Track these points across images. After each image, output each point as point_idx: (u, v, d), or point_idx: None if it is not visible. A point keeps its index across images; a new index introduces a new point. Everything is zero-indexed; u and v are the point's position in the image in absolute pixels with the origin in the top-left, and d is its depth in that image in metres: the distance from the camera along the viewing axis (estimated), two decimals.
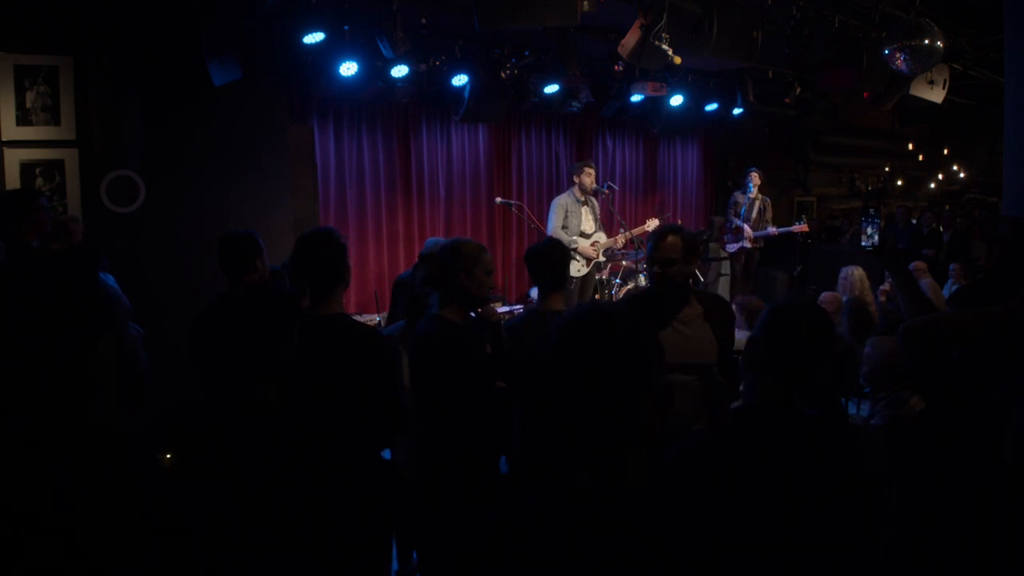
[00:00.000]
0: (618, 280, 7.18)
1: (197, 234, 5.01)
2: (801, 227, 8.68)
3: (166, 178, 5.12)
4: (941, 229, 9.77)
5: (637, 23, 4.44)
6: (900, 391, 3.28)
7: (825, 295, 5.35)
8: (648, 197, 9.83)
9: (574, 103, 7.40)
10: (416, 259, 3.74)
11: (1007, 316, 2.35)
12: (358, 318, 4.00)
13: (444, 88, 6.42)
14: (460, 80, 6.31)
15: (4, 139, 4.60)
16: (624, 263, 7.28)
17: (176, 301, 4.71)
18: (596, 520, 1.21)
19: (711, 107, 8.27)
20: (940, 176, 14.47)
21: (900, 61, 4.83)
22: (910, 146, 13.83)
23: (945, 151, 14.30)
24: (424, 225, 7.58)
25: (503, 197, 7.52)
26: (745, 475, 1.50)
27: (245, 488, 1.70)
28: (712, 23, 4.51)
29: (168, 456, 1.83)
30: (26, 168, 4.66)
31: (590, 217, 6.88)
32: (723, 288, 9.51)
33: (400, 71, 5.86)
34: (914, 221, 10.29)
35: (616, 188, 7.86)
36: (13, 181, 4.60)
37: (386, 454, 2.97)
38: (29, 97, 4.65)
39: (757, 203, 8.65)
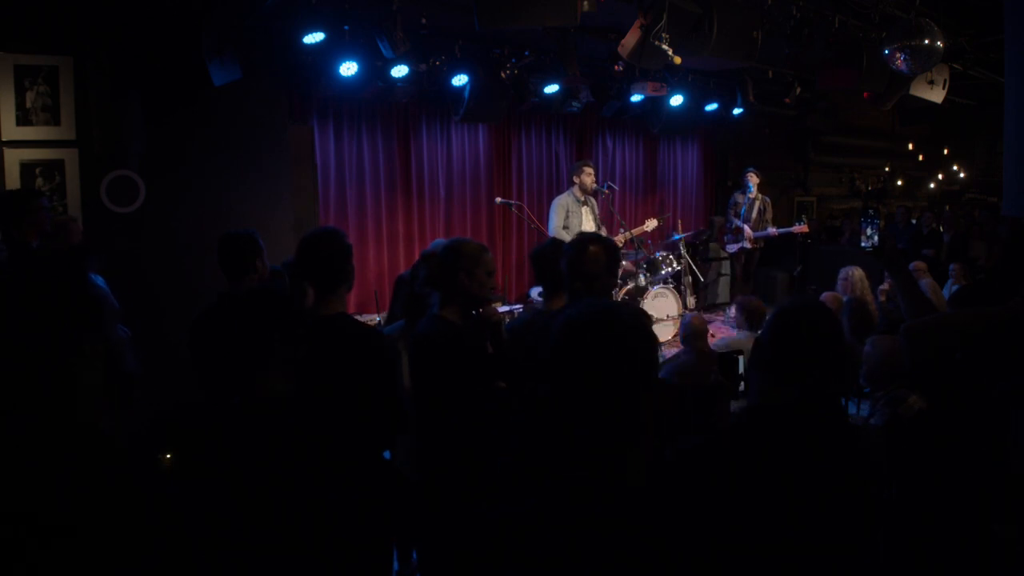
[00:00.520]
0: (618, 280, 7.18)
1: (197, 234, 5.01)
2: (801, 227, 8.69)
3: (166, 178, 5.12)
4: (941, 229, 9.77)
5: (637, 23, 4.44)
6: (898, 390, 3.28)
7: (825, 295, 5.34)
8: (648, 197, 9.84)
9: (574, 103, 7.40)
10: (416, 259, 3.74)
11: (1007, 316, 2.35)
12: (358, 318, 4.00)
13: (444, 88, 6.42)
14: (460, 80, 6.31)
15: (4, 139, 4.60)
16: (624, 263, 7.28)
17: (176, 301, 4.71)
18: (596, 520, 1.21)
19: (711, 107, 8.27)
20: (940, 176, 14.47)
21: (900, 61, 4.83)
22: (910, 146, 13.83)
23: (945, 151, 14.30)
24: (424, 225, 7.59)
25: (503, 197, 7.53)
26: (745, 475, 1.50)
27: (245, 488, 1.70)
28: (712, 23, 4.51)
29: (168, 456, 1.83)
30: (26, 168, 4.66)
31: (590, 217, 6.89)
32: (723, 288, 9.52)
33: (400, 71, 5.86)
34: (914, 221, 10.28)
35: (616, 188, 7.87)
36: (13, 181, 4.60)
37: (386, 454, 2.97)
38: (29, 97, 4.65)
39: (757, 203, 8.65)
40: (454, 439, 2.67)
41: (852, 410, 4.65)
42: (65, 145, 4.77)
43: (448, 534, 2.62)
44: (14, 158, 4.62)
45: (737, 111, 8.19)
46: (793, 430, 1.57)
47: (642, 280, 7.21)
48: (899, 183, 13.67)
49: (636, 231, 7.14)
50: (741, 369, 3.20)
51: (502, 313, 6.35)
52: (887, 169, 13.32)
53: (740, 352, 3.59)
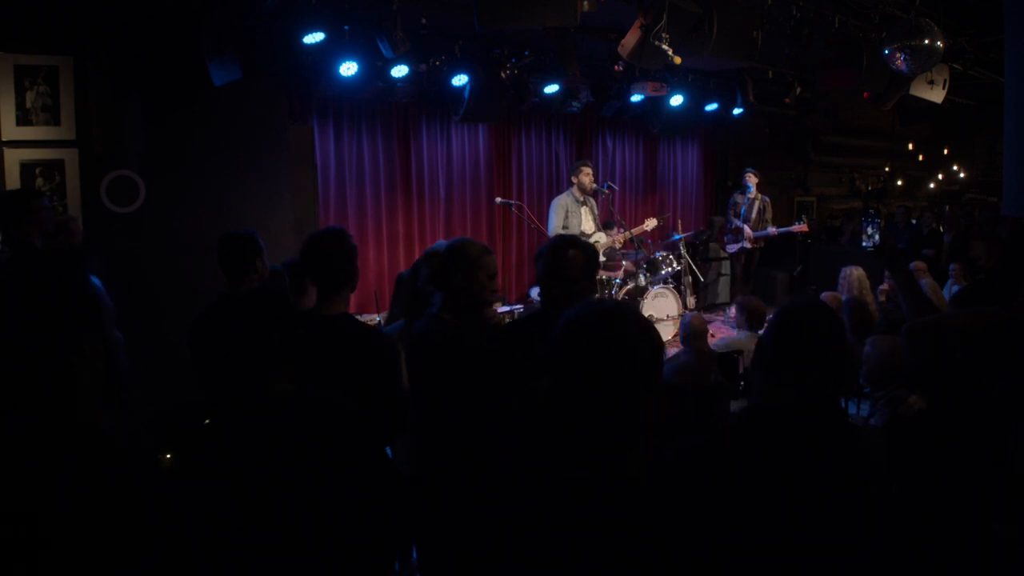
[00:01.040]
0: (618, 280, 7.18)
1: (197, 234, 5.00)
2: (801, 227, 8.69)
3: (166, 178, 5.12)
4: (941, 229, 9.77)
5: (637, 23, 4.44)
6: (898, 390, 3.28)
7: (825, 295, 5.34)
8: (648, 197, 9.84)
9: (574, 103, 7.40)
10: (416, 259, 3.74)
11: (1008, 316, 2.35)
12: (358, 318, 3.99)
13: (444, 88, 6.42)
14: (460, 80, 6.31)
15: (4, 139, 4.60)
16: (624, 263, 7.29)
17: (176, 301, 4.70)
18: (596, 520, 1.21)
19: (711, 107, 8.27)
20: (940, 176, 14.48)
21: (900, 61, 4.83)
22: (910, 146, 13.83)
23: (945, 151, 14.31)
24: (424, 225, 7.59)
25: (503, 197, 7.53)
26: (745, 475, 1.49)
27: (245, 488, 1.70)
28: (712, 23, 4.51)
29: (168, 456, 1.83)
30: (26, 168, 4.66)
31: (589, 217, 6.89)
32: (723, 288, 9.52)
33: (400, 71, 5.86)
34: (914, 221, 10.28)
35: (616, 188, 7.87)
36: (13, 181, 4.60)
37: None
38: (29, 97, 4.65)
39: (757, 203, 8.66)
40: (453, 439, 2.67)
41: (852, 410, 4.65)
42: (65, 145, 4.77)
43: (448, 534, 2.62)
44: (14, 158, 4.62)
45: (737, 111, 8.19)
46: (793, 430, 1.57)
47: (642, 280, 7.21)
48: (899, 183, 13.67)
49: (636, 231, 7.14)
50: (741, 369, 3.19)
51: (502, 313, 6.38)
52: (887, 169, 13.32)
53: (740, 352, 3.59)
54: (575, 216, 6.75)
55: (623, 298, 7.04)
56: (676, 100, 7.75)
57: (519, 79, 6.67)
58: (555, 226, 6.73)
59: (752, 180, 8.62)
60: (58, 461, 1.21)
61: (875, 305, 5.51)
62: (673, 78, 7.47)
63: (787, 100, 8.09)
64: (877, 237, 2.92)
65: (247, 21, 4.58)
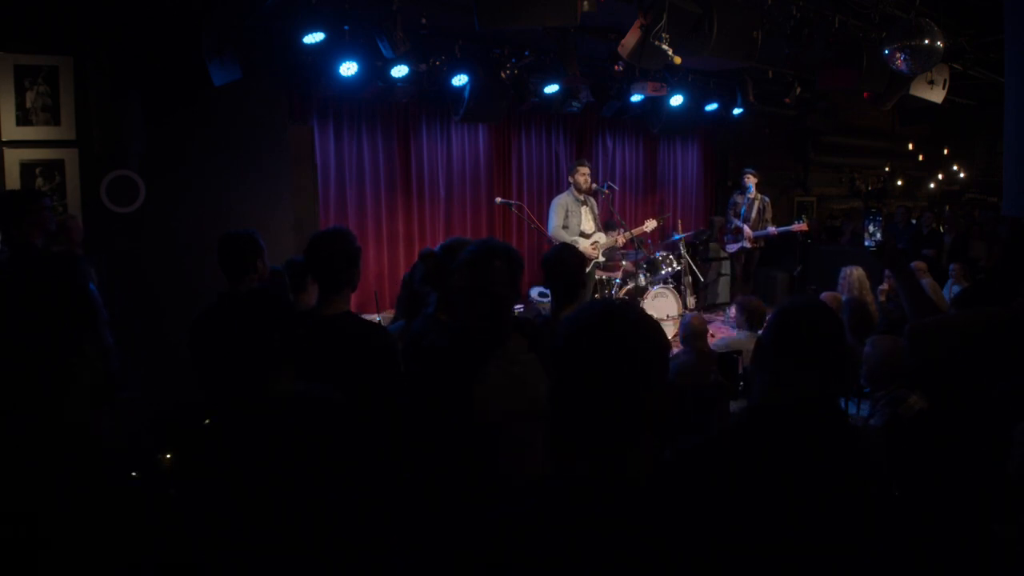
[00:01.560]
0: (618, 280, 7.19)
1: (197, 234, 5.00)
2: (800, 226, 8.69)
3: (166, 178, 5.12)
4: (942, 230, 9.77)
5: (637, 23, 4.44)
6: (898, 390, 3.28)
7: (825, 295, 5.34)
8: (648, 197, 9.84)
9: (574, 103, 7.40)
10: (416, 259, 3.73)
11: (1008, 317, 2.35)
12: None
13: (444, 88, 6.42)
14: (460, 80, 6.31)
15: (4, 139, 4.60)
16: (624, 263, 7.29)
17: (176, 301, 4.70)
18: (596, 520, 1.20)
19: (711, 107, 8.27)
20: (940, 176, 14.48)
21: (900, 61, 4.83)
22: (910, 146, 13.83)
23: (945, 151, 14.31)
24: (424, 225, 7.59)
25: (503, 197, 7.53)
26: (745, 476, 1.49)
27: (245, 488, 1.70)
28: (712, 23, 4.51)
29: (168, 456, 1.83)
30: (26, 168, 4.66)
31: (589, 217, 6.89)
32: (723, 288, 9.52)
33: (400, 71, 5.86)
34: (914, 221, 10.28)
35: (616, 188, 7.87)
36: (13, 181, 4.60)
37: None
38: (29, 97, 4.65)
39: (756, 203, 8.66)
40: (452, 439, 2.67)
41: (852, 410, 4.64)
42: (65, 145, 4.77)
43: (448, 534, 2.62)
44: (14, 158, 4.62)
45: (737, 111, 8.19)
46: (793, 430, 1.57)
47: (642, 280, 7.21)
48: (899, 183, 13.67)
49: (636, 231, 7.14)
50: (741, 369, 3.19)
51: None
52: (887, 169, 13.32)
53: (740, 352, 3.59)
54: (575, 216, 6.75)
55: (623, 298, 7.04)
56: (676, 100, 7.75)
57: (519, 79, 6.67)
58: (555, 225, 6.73)
59: (751, 180, 8.63)
60: (54, 461, 1.21)
61: (875, 305, 5.51)
62: (673, 78, 7.47)
63: (787, 100, 8.09)
64: (879, 235, 2.91)
65: (247, 21, 4.58)
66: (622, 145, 9.40)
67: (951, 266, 7.30)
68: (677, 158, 10.17)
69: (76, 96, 4.76)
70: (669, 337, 6.98)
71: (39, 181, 4.69)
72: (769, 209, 8.73)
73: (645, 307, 6.94)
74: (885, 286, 5.90)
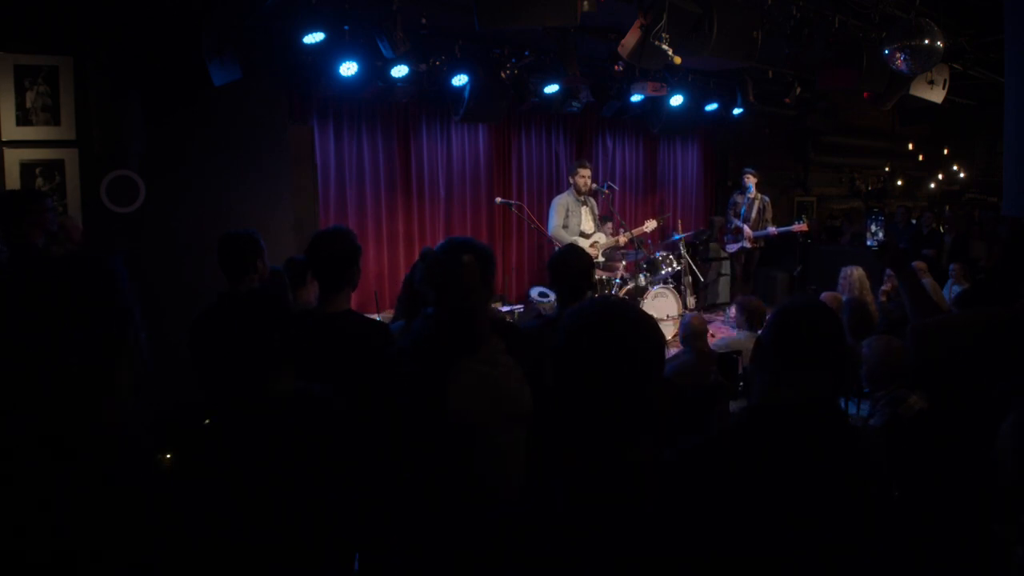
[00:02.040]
0: (618, 280, 7.19)
1: (197, 234, 5.00)
2: (800, 226, 8.69)
3: (166, 178, 5.12)
4: (942, 230, 9.76)
5: (637, 23, 4.44)
6: (898, 390, 3.29)
7: (825, 295, 5.35)
8: (648, 197, 9.84)
9: (574, 103, 7.40)
10: (416, 259, 3.73)
11: (1009, 317, 2.35)
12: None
13: (444, 88, 6.42)
14: (460, 80, 6.31)
15: (4, 139, 4.60)
16: (624, 263, 7.29)
17: (176, 301, 4.69)
18: (596, 520, 1.20)
19: (711, 107, 8.27)
20: (940, 176, 14.48)
21: (900, 61, 4.83)
22: (910, 146, 13.83)
23: (945, 151, 14.31)
24: (424, 225, 7.59)
25: (503, 197, 7.53)
26: (745, 476, 1.49)
27: (245, 488, 1.70)
28: (712, 23, 4.51)
29: (168, 456, 1.83)
30: (26, 168, 4.66)
31: (589, 217, 6.89)
32: (723, 288, 9.52)
33: (400, 71, 5.86)
34: (914, 221, 10.29)
35: (616, 188, 7.87)
36: (13, 181, 4.60)
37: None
38: (29, 97, 4.65)
39: (756, 203, 8.66)
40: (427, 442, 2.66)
41: (852, 410, 4.65)
42: (65, 145, 4.77)
43: (449, 534, 2.62)
44: (14, 158, 4.62)
45: (737, 111, 8.19)
46: (793, 430, 1.57)
47: (642, 280, 7.21)
48: (899, 183, 13.67)
49: (636, 231, 7.14)
50: (741, 369, 3.19)
51: (503, 313, 6.38)
52: (887, 169, 13.32)
53: (740, 352, 3.59)
54: (575, 216, 6.75)
55: (623, 297, 7.03)
56: (676, 100, 7.75)
57: (519, 79, 6.67)
58: (555, 225, 6.73)
59: (751, 180, 8.63)
60: (88, 463, 1.21)
61: (875, 305, 5.51)
62: (673, 78, 7.47)
63: (787, 100, 8.09)
64: (881, 235, 2.92)
65: (247, 21, 4.58)
66: (622, 145, 9.40)
67: (951, 266, 7.31)
68: (677, 158, 10.17)
69: (76, 96, 4.76)
70: (669, 337, 7.00)
71: (39, 181, 4.69)
72: (769, 209, 8.73)
73: (645, 307, 6.95)
74: (887, 286, 5.90)
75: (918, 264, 6.46)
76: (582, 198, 6.80)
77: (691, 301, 8.52)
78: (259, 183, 5.54)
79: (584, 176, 6.74)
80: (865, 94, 6.62)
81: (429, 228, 7.62)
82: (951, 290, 6.86)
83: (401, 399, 2.00)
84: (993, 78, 7.64)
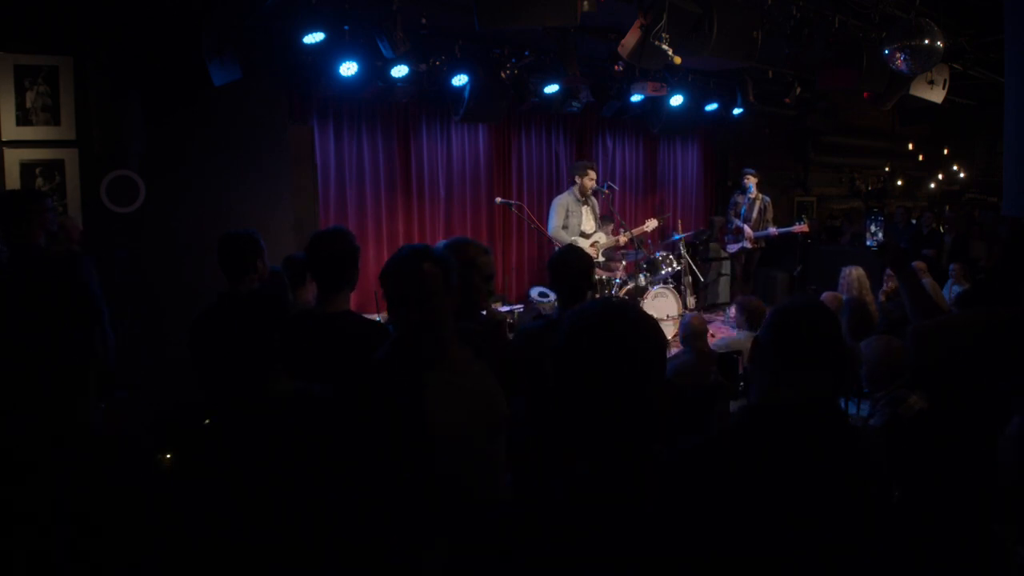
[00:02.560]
0: (618, 280, 7.19)
1: (197, 234, 5.00)
2: (801, 227, 8.69)
3: (166, 178, 5.12)
4: (942, 230, 9.76)
5: (637, 23, 4.44)
6: (898, 390, 3.29)
7: (825, 295, 5.35)
8: (648, 197, 9.84)
9: (574, 103, 7.40)
10: None
11: (1009, 317, 2.35)
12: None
13: (444, 88, 6.42)
14: (460, 80, 6.31)
15: (4, 139, 4.60)
16: (624, 263, 7.29)
17: (176, 301, 4.70)
18: (595, 520, 1.20)
19: (711, 107, 8.27)
20: (940, 176, 14.48)
21: (900, 61, 4.83)
22: (910, 146, 13.83)
23: (945, 151, 14.31)
24: (424, 225, 7.59)
25: (503, 197, 7.53)
26: (745, 475, 1.49)
27: (245, 487, 1.70)
28: (712, 23, 4.51)
29: (168, 456, 1.84)
30: (26, 168, 4.66)
31: (590, 217, 6.89)
32: (723, 288, 9.53)
33: (400, 71, 5.86)
34: (914, 221, 10.28)
35: (616, 188, 7.87)
36: (13, 181, 4.60)
37: None
38: (29, 97, 4.65)
39: (757, 203, 8.66)
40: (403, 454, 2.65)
41: (852, 410, 4.65)
42: (65, 145, 4.77)
43: (449, 534, 2.62)
44: (14, 158, 4.62)
45: (737, 111, 8.19)
46: (793, 430, 1.57)
47: (642, 280, 7.21)
48: (899, 183, 13.67)
49: (636, 231, 7.14)
50: (741, 369, 3.19)
51: (503, 313, 6.37)
52: (887, 169, 13.32)
53: (740, 352, 3.59)
54: (575, 216, 6.75)
55: (624, 297, 7.04)
56: (676, 100, 7.75)
57: (519, 79, 6.67)
58: (555, 226, 6.73)
59: (751, 180, 8.63)
60: (66, 460, 1.21)
61: (875, 305, 5.51)
62: (673, 78, 7.47)
63: (787, 100, 8.09)
64: (881, 235, 2.92)
65: (247, 21, 4.58)
66: (622, 145, 9.40)
67: (951, 266, 7.30)
68: (677, 158, 10.17)
69: (76, 96, 4.76)
70: (669, 337, 7.00)
71: (39, 181, 4.69)
72: (770, 209, 8.73)
73: (645, 307, 6.95)
74: (886, 286, 5.90)
75: (918, 264, 6.45)
76: (582, 198, 6.81)
77: (691, 301, 8.52)
78: (259, 183, 5.55)
79: (592, 178, 6.76)
80: (865, 94, 6.62)
81: (429, 228, 7.62)
82: (951, 290, 6.86)
83: (377, 414, 1.91)
84: (993, 78, 7.64)
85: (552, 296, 6.34)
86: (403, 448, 1.81)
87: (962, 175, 14.37)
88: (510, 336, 4.76)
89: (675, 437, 1.62)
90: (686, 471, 1.51)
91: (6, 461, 1.14)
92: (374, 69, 5.72)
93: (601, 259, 7.02)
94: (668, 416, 1.28)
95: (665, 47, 4.27)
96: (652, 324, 1.31)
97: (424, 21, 5.40)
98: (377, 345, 2.52)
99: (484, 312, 2.79)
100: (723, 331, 7.61)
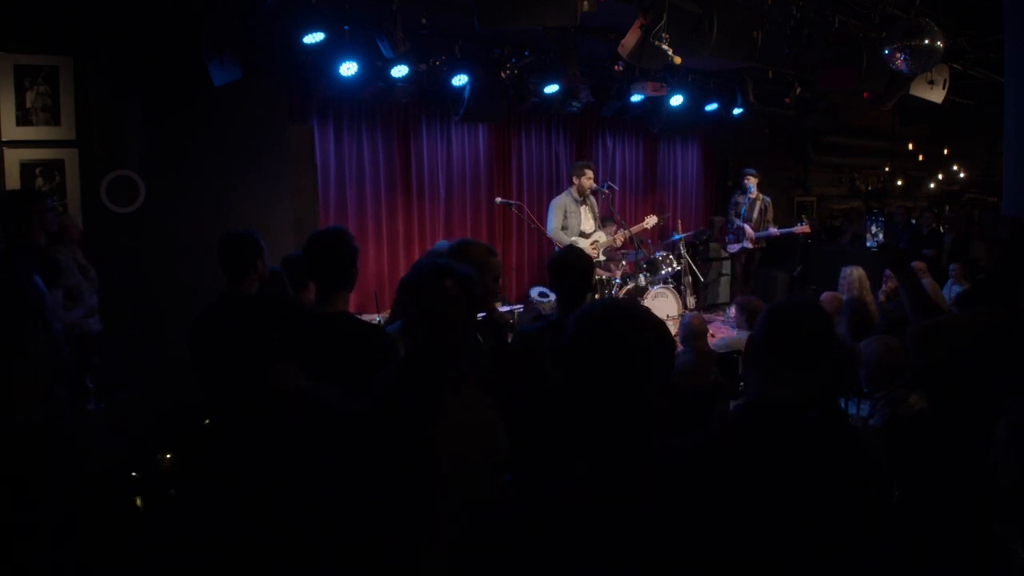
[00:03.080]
0: (618, 280, 7.19)
1: (197, 234, 5.00)
2: (803, 228, 8.69)
3: (166, 178, 5.12)
4: (942, 230, 9.76)
5: (637, 23, 4.44)
6: (898, 390, 3.29)
7: (825, 295, 5.35)
8: (648, 197, 9.84)
9: (574, 103, 7.40)
10: (416, 259, 3.72)
11: (1009, 317, 2.35)
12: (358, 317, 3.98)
13: (444, 88, 6.42)
14: (460, 80, 6.31)
15: (4, 139, 4.60)
16: (624, 263, 7.29)
17: (176, 301, 4.70)
18: (596, 520, 1.20)
19: (711, 107, 8.27)
20: (940, 176, 14.47)
21: (900, 61, 4.83)
22: (910, 146, 13.83)
23: (945, 151, 14.30)
24: (424, 225, 7.59)
25: (503, 197, 7.53)
26: (744, 475, 1.49)
27: (245, 488, 1.70)
28: (712, 23, 4.51)
29: (168, 456, 1.83)
30: (26, 168, 4.66)
31: (589, 217, 6.89)
32: (723, 288, 9.53)
33: (400, 71, 5.86)
34: (914, 221, 10.28)
35: (616, 188, 7.87)
36: (13, 181, 4.60)
37: None
38: (29, 97, 4.65)
39: (758, 204, 8.66)
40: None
41: (852, 410, 4.65)
42: (65, 145, 4.77)
43: (448, 532, 2.61)
44: (14, 158, 4.62)
45: (737, 111, 8.19)
46: (789, 428, 1.57)
47: (642, 280, 7.21)
48: (899, 183, 13.67)
49: (635, 228, 7.14)
50: (741, 369, 3.19)
51: (503, 313, 6.37)
52: (887, 169, 13.32)
53: (740, 352, 3.59)
54: (574, 216, 6.75)
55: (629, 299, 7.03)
56: (676, 100, 7.75)
57: (519, 79, 6.67)
58: (554, 227, 6.74)
59: (752, 181, 8.63)
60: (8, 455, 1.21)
61: (875, 305, 5.51)
62: (673, 78, 7.47)
63: (787, 100, 8.09)
64: (881, 236, 2.91)
65: (247, 21, 4.58)
66: (622, 145, 9.40)
67: (951, 266, 7.30)
68: (677, 158, 10.17)
69: (76, 96, 4.76)
70: None
71: (39, 181, 4.69)
72: (770, 210, 8.73)
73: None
74: (887, 286, 5.89)
75: (918, 264, 6.45)
76: (581, 198, 6.81)
77: (691, 301, 8.51)
78: (259, 183, 5.55)
79: (590, 177, 6.75)
80: (865, 94, 6.62)
81: (429, 228, 7.62)
82: (951, 290, 6.86)
83: (383, 436, 1.80)
84: (993, 78, 7.64)
85: (552, 296, 6.34)
86: (406, 469, 1.76)
87: (962, 175, 14.36)
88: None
89: (675, 437, 1.62)
90: (684, 471, 1.51)
91: None
92: (374, 69, 5.72)
93: (601, 259, 7.02)
94: (668, 416, 1.28)
95: (665, 47, 4.27)
96: (657, 324, 1.31)
97: (424, 21, 5.40)
98: (376, 346, 2.53)
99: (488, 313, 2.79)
100: (723, 331, 7.61)
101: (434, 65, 6.13)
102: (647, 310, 1.36)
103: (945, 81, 6.70)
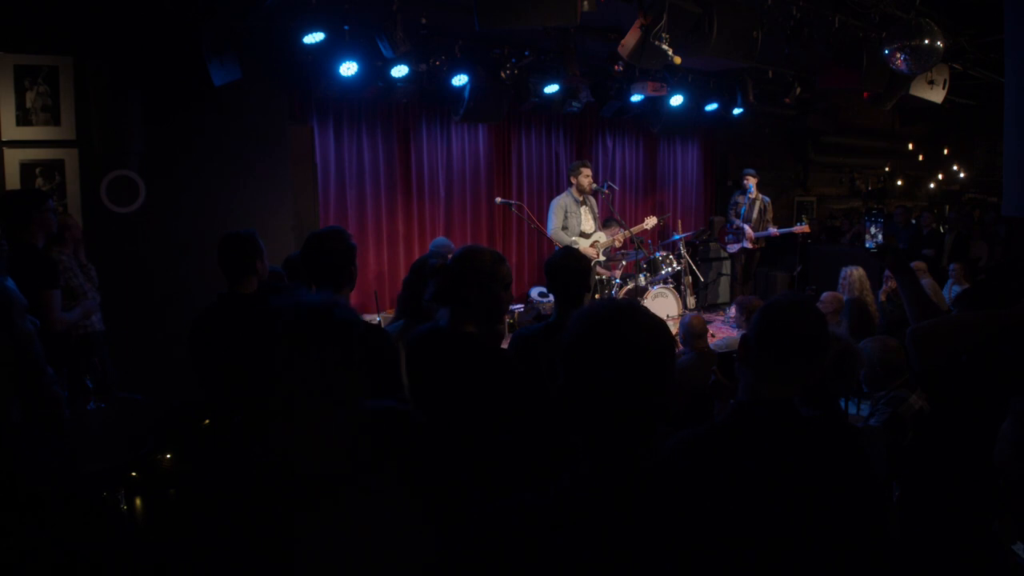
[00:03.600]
0: (618, 280, 7.19)
1: (197, 234, 5.01)
2: (803, 228, 8.69)
3: (166, 178, 5.12)
4: (942, 230, 9.76)
5: (637, 23, 4.44)
6: (898, 390, 3.29)
7: (825, 295, 5.35)
8: (648, 197, 9.84)
9: (574, 103, 7.40)
10: (416, 259, 3.72)
11: (1009, 317, 2.35)
12: None
13: (444, 88, 6.43)
14: (460, 80, 6.31)
15: (4, 139, 4.60)
16: (624, 263, 7.29)
17: (176, 301, 4.71)
18: (597, 518, 1.21)
19: (711, 107, 8.27)
20: (940, 176, 14.48)
21: (900, 61, 4.83)
22: (910, 146, 13.84)
23: (945, 151, 14.31)
24: (424, 225, 7.59)
25: (503, 197, 7.53)
26: (738, 472, 1.49)
27: (245, 488, 1.70)
28: (712, 23, 4.51)
29: (168, 456, 1.83)
30: (26, 168, 4.66)
31: (589, 217, 6.89)
32: (723, 288, 9.53)
33: (400, 71, 5.86)
34: (914, 221, 10.28)
35: (616, 188, 7.87)
36: (13, 181, 4.60)
37: None
38: (29, 97, 4.65)
39: (758, 204, 8.66)
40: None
41: (852, 410, 4.65)
42: (65, 145, 4.77)
43: (449, 532, 2.61)
44: (14, 158, 4.62)
45: (737, 111, 8.19)
46: (780, 427, 1.57)
47: (642, 280, 7.21)
48: (899, 183, 13.67)
49: (635, 229, 7.14)
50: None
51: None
52: (887, 169, 13.32)
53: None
54: (574, 216, 6.75)
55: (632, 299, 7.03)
56: (676, 100, 7.75)
57: (519, 79, 6.67)
58: (554, 227, 6.73)
59: (751, 181, 8.63)
60: None
61: (875, 305, 5.51)
62: (673, 78, 7.47)
63: (787, 100, 8.09)
64: (880, 237, 2.90)
65: (247, 21, 4.58)
66: (622, 145, 9.40)
67: (951, 266, 7.30)
68: (677, 158, 10.17)
69: (76, 96, 4.76)
70: None
71: (39, 181, 4.69)
72: (770, 210, 8.73)
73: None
74: (887, 287, 5.90)
75: (918, 264, 6.45)
76: (581, 198, 6.81)
77: (691, 301, 8.52)
78: (259, 183, 5.55)
79: (588, 175, 6.75)
80: (865, 94, 6.62)
81: (429, 228, 7.62)
82: (951, 290, 6.86)
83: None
84: (993, 78, 7.64)
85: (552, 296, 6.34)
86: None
87: (962, 175, 14.37)
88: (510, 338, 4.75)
89: (675, 436, 1.62)
90: (681, 467, 1.51)
91: None
92: (374, 69, 5.72)
93: (601, 258, 7.02)
94: (671, 416, 1.28)
95: (665, 47, 4.28)
96: (659, 325, 1.31)
97: (424, 21, 5.40)
98: (376, 346, 2.52)
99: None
100: (723, 331, 7.61)
101: (434, 65, 6.14)
102: (647, 310, 1.36)
103: (945, 81, 6.70)
